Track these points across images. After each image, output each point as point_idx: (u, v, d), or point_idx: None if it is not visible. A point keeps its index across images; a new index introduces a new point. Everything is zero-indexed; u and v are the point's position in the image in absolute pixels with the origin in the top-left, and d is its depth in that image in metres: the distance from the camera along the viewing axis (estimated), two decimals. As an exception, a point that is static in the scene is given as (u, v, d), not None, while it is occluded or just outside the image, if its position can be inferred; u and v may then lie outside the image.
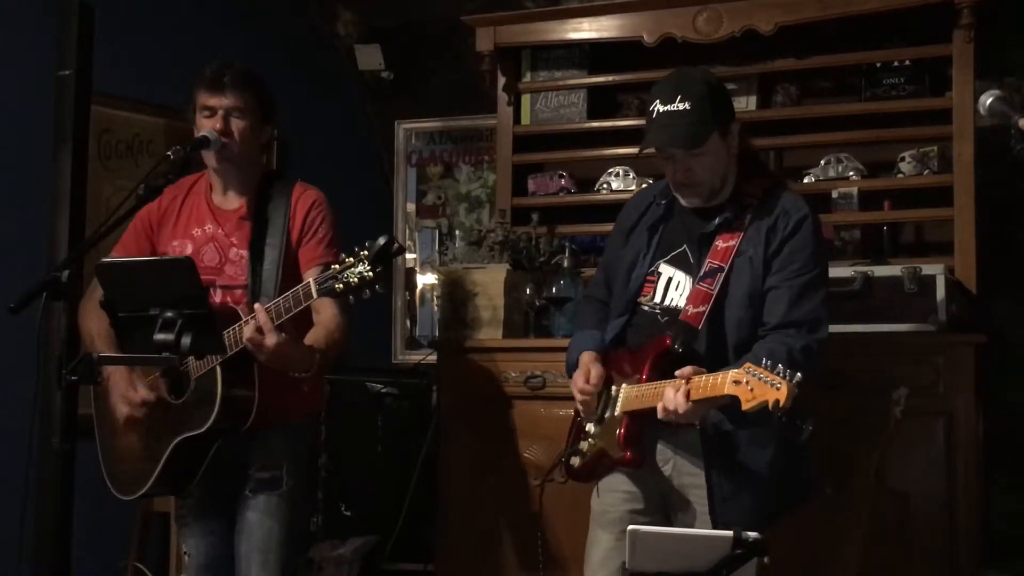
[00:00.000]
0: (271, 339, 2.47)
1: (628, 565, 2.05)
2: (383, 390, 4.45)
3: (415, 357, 4.98)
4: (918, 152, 3.75)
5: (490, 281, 3.75)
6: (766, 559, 2.02)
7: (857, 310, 3.31)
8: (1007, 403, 3.73)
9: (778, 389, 2.10)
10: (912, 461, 3.21)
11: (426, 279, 5.29)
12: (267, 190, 2.86)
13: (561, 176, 4.27)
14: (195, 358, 2.56)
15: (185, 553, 2.84)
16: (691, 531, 2.36)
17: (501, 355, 3.66)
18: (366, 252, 2.35)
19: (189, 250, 2.79)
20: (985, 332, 3.29)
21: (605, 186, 4.18)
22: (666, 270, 2.62)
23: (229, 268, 2.79)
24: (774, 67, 4.00)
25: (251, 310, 2.53)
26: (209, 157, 2.79)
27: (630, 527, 2.06)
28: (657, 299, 2.61)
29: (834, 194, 3.82)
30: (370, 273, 2.33)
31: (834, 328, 3.11)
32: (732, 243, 2.52)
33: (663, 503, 2.58)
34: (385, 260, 2.34)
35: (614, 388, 2.58)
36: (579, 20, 4.14)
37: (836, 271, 3.36)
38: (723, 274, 2.49)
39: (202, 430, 2.60)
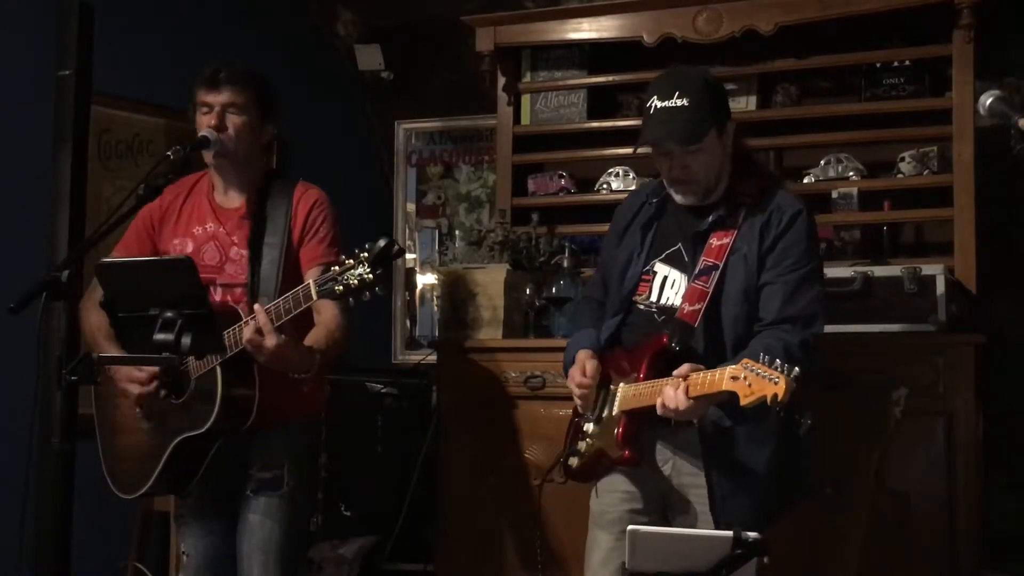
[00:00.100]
0: (270, 340, 2.47)
1: (628, 565, 2.05)
2: (383, 390, 4.45)
3: (415, 357, 4.98)
4: (918, 152, 3.75)
5: (490, 281, 3.76)
6: (766, 559, 2.02)
7: (857, 310, 3.31)
8: (1007, 403, 3.73)
9: (776, 384, 2.10)
10: (912, 461, 3.21)
11: (426, 279, 5.29)
12: (269, 189, 2.86)
13: (561, 176, 4.27)
14: (195, 358, 2.56)
15: (184, 553, 2.84)
16: (691, 531, 2.36)
17: (501, 355, 3.66)
18: (366, 254, 2.35)
19: (190, 248, 2.79)
20: (985, 332, 3.29)
21: (605, 186, 4.18)
22: (661, 269, 2.62)
23: (229, 267, 2.79)
24: (774, 67, 4.00)
25: (251, 310, 2.54)
26: (207, 153, 2.79)
27: (630, 527, 2.05)
28: (653, 298, 2.61)
29: (834, 194, 3.82)
30: (370, 275, 2.33)
31: (834, 328, 3.12)
32: (726, 241, 2.52)
33: (662, 503, 2.58)
34: (385, 262, 2.34)
35: (611, 387, 2.58)
36: (579, 20, 4.14)
37: (836, 271, 3.37)
38: (718, 272, 2.49)
39: (202, 430, 2.60)
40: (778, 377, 2.10)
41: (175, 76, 3.33)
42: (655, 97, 2.53)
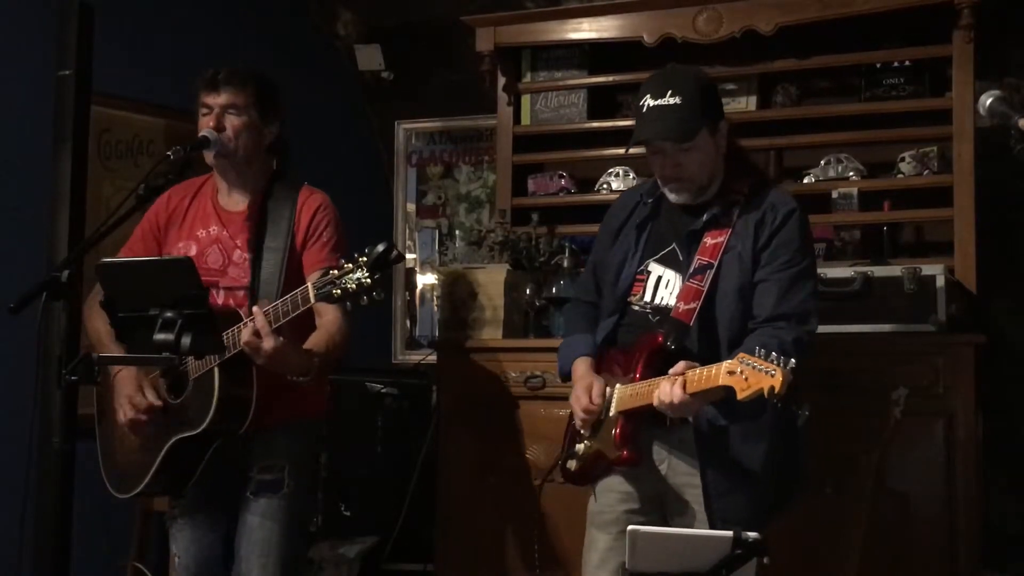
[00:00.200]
0: (268, 343, 2.47)
1: (628, 565, 2.05)
2: (383, 390, 4.45)
3: (415, 357, 4.98)
4: (918, 152, 3.75)
5: (490, 281, 3.76)
6: (766, 559, 2.02)
7: (857, 310, 3.30)
8: (1007, 403, 3.73)
9: (772, 376, 2.10)
10: (912, 461, 3.21)
11: (426, 279, 5.29)
12: (273, 192, 2.86)
13: (561, 176, 4.27)
14: (194, 358, 2.56)
15: (175, 554, 2.83)
16: (691, 531, 2.36)
17: (501, 355, 3.66)
18: (365, 258, 2.34)
19: (194, 251, 2.79)
20: (985, 332, 3.29)
21: (605, 186, 4.18)
22: (656, 269, 2.62)
23: (232, 270, 2.79)
24: (774, 67, 4.00)
25: (251, 312, 2.53)
26: (208, 154, 2.79)
27: (630, 527, 2.05)
28: (647, 298, 2.61)
29: (834, 194, 3.81)
30: (368, 280, 2.33)
31: (834, 328, 3.13)
32: (720, 239, 2.52)
33: (660, 503, 2.58)
34: (383, 267, 2.34)
35: (608, 388, 2.58)
36: (579, 20, 4.14)
37: (836, 271, 3.37)
38: (712, 270, 2.50)
39: (198, 431, 2.60)
40: (775, 369, 2.10)
41: (175, 76, 3.33)
42: (648, 95, 2.54)
